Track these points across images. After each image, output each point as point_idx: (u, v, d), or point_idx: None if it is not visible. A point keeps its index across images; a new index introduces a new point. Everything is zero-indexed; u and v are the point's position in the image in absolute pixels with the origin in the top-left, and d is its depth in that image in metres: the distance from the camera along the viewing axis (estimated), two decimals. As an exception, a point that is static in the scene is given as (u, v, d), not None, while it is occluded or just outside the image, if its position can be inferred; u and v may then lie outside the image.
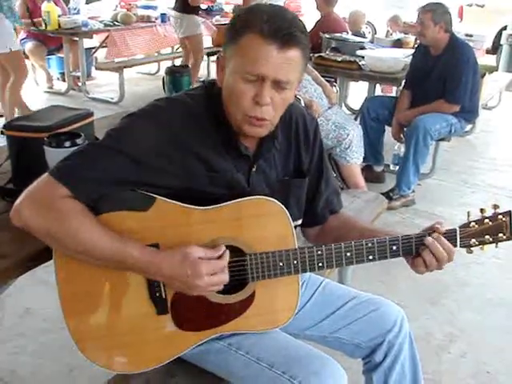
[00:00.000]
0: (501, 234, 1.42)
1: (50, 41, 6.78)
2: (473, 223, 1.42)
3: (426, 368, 1.67)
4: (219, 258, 1.30)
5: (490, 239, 1.43)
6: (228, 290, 1.38)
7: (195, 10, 6.40)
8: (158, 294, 1.36)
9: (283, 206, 1.39)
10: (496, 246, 1.45)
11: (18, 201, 1.25)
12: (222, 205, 1.35)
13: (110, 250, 1.25)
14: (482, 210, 1.42)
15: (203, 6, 6.89)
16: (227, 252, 1.32)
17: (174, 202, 1.33)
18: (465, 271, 3.23)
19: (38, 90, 7.05)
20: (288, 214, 1.39)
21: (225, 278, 1.31)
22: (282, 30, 1.23)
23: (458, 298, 3.00)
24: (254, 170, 1.44)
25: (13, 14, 4.96)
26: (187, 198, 1.34)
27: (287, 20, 1.26)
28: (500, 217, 1.41)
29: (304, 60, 1.30)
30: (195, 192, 1.35)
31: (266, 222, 1.39)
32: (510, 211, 1.42)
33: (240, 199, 1.36)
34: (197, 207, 1.34)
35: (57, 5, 6.57)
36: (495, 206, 1.42)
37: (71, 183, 1.25)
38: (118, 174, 1.28)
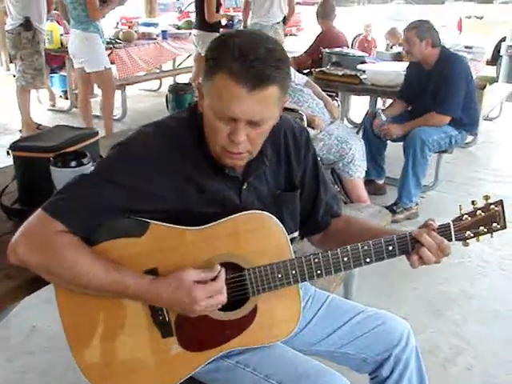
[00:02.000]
0: (495, 224, 1.41)
1: (53, 59, 6.85)
2: (466, 216, 1.41)
3: (432, 382, 1.66)
4: (215, 278, 1.31)
5: (485, 230, 1.41)
6: (230, 306, 1.39)
7: (215, 28, 6.39)
8: (161, 318, 1.36)
9: (276, 218, 1.39)
10: (491, 236, 1.43)
11: (13, 239, 1.26)
12: (216, 223, 1.36)
13: (106, 281, 1.26)
14: (473, 202, 1.42)
15: (223, 22, 6.90)
16: (223, 272, 1.32)
17: (168, 224, 1.34)
18: (470, 283, 3.23)
19: (41, 108, 7.09)
20: (282, 226, 1.39)
21: (222, 299, 1.32)
22: (253, 69, 1.18)
23: (464, 310, 2.99)
24: (244, 187, 1.44)
25: (103, 34, 5.34)
26: (181, 219, 1.35)
27: (260, 55, 1.19)
28: (492, 206, 1.40)
29: (282, 91, 1.27)
30: (189, 213, 1.36)
31: (261, 235, 1.39)
32: (501, 200, 1.41)
33: (233, 215, 1.36)
34: (191, 228, 1.34)
35: (59, 24, 6.64)
36: (486, 197, 1.41)
37: (64, 218, 1.26)
38: (111, 204, 1.29)
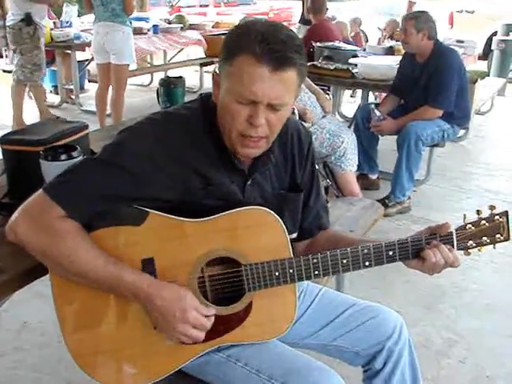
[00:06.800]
0: (498, 235, 1.41)
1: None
2: (469, 225, 1.41)
3: (425, 374, 1.67)
4: (207, 317, 1.32)
5: (488, 240, 1.41)
6: (225, 301, 1.38)
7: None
8: None
9: (277, 216, 1.38)
10: (494, 247, 1.43)
11: (13, 217, 1.25)
12: (216, 216, 1.35)
13: (103, 273, 1.26)
14: (478, 212, 1.41)
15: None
16: (213, 317, 1.33)
17: (167, 215, 1.33)
18: (462, 276, 3.24)
19: (32, 104, 7.03)
20: (282, 224, 1.39)
21: (201, 336, 1.32)
22: (276, 51, 1.20)
23: (456, 303, 3.00)
24: (249, 183, 1.44)
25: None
26: (182, 210, 1.34)
27: (281, 40, 1.22)
28: (497, 217, 1.40)
29: (300, 78, 1.28)
30: (190, 204, 1.35)
31: (261, 232, 1.39)
32: (506, 211, 1.42)
33: (234, 210, 1.36)
34: (191, 220, 1.34)
35: (48, 17, 6.58)
36: (492, 207, 1.41)
37: (66, 203, 1.24)
38: (115, 190, 1.28)
